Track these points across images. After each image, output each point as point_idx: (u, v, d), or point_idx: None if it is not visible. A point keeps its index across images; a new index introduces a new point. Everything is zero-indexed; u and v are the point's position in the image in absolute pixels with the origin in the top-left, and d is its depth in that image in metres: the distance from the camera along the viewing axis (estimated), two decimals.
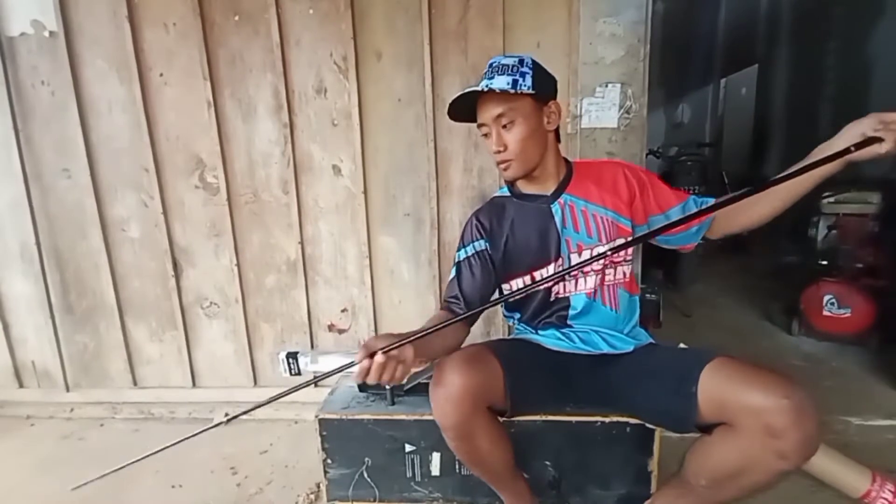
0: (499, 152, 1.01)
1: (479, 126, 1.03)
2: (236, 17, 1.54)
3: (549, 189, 1.08)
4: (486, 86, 0.96)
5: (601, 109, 1.43)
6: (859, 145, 0.82)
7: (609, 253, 0.95)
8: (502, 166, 1.04)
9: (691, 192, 1.14)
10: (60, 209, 1.71)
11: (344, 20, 1.50)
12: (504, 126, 0.99)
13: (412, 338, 0.85)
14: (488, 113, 0.99)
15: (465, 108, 1.03)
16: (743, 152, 4.52)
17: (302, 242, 1.66)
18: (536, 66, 0.99)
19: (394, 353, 0.82)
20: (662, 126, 6.34)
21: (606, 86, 1.42)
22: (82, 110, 1.62)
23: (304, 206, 1.64)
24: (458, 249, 1.14)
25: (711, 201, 1.04)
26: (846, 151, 0.82)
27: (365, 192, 1.61)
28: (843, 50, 3.11)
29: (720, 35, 5.19)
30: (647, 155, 1.74)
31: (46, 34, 1.59)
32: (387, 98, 1.56)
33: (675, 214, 1.06)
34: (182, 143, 1.64)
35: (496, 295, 1.14)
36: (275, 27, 1.52)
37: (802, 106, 3.57)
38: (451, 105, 1.02)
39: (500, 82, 0.95)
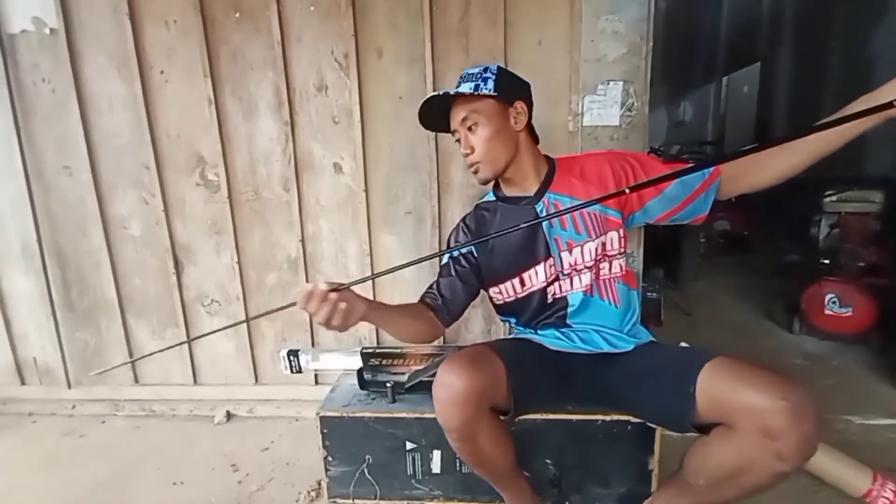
0: (467, 155, 1.05)
1: (453, 133, 1.08)
2: (237, 14, 1.54)
3: (531, 190, 1.08)
4: (453, 91, 1.01)
5: (603, 107, 1.42)
6: None
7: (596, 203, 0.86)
8: (472, 169, 1.07)
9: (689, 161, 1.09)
10: (62, 207, 1.71)
11: (345, 17, 1.50)
12: (470, 129, 1.03)
13: (358, 280, 0.88)
14: (455, 118, 1.05)
15: (439, 121, 1.08)
16: None
17: (303, 240, 1.66)
18: (501, 72, 1.03)
19: (341, 293, 0.84)
20: (664, 124, 6.33)
21: (608, 83, 1.41)
22: (83, 108, 1.62)
23: (305, 204, 1.64)
24: (445, 253, 1.15)
25: (713, 168, 1.00)
26: (888, 106, 0.69)
27: (366, 190, 1.61)
28: (846, 48, 3.10)
29: (722, 33, 5.18)
30: (648, 153, 1.73)
31: (47, 31, 1.59)
32: (388, 96, 1.55)
33: (674, 191, 1.03)
34: (183, 140, 1.63)
35: (477, 299, 1.16)
36: (276, 24, 1.52)
37: (805, 104, 3.56)
38: (427, 118, 1.08)
39: (462, 88, 1.01)
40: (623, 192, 0.87)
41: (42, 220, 1.71)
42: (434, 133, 1.54)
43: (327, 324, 0.85)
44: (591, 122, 1.45)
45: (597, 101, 1.43)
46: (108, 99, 1.62)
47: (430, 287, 1.12)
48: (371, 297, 1.65)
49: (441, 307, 1.08)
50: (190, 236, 1.70)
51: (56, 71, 1.61)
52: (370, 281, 1.66)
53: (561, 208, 1.05)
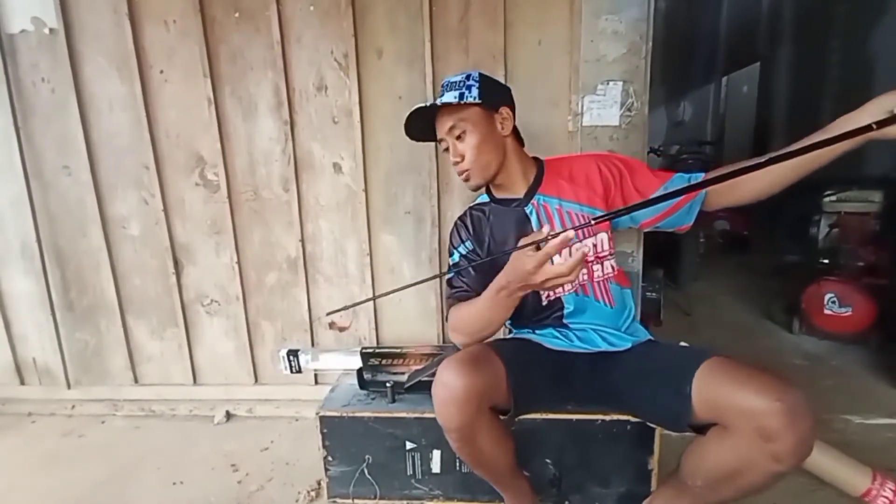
0: (457, 163, 1.06)
1: (440, 142, 1.08)
2: (237, 15, 1.54)
3: (520, 192, 1.10)
4: (437, 102, 1.01)
5: (603, 107, 1.43)
6: (882, 123, 0.67)
7: (585, 227, 0.85)
8: (462, 177, 1.08)
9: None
10: (61, 207, 1.71)
11: (345, 17, 1.50)
12: (458, 137, 1.04)
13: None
14: (442, 127, 1.05)
15: (425, 130, 1.09)
16: (744, 150, 4.51)
17: (303, 240, 1.66)
18: (483, 78, 1.04)
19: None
20: (664, 124, 6.33)
21: (608, 83, 1.41)
22: (83, 108, 1.62)
23: (304, 204, 1.64)
24: (451, 254, 1.16)
25: (701, 176, 1.01)
26: (867, 129, 0.68)
27: (366, 189, 1.61)
28: (846, 48, 3.10)
29: (722, 33, 5.18)
30: (648, 153, 1.74)
31: (47, 31, 1.59)
32: (388, 96, 1.55)
33: None
34: (182, 140, 1.63)
35: None
36: (275, 24, 1.52)
37: (804, 104, 3.56)
38: (413, 130, 1.08)
39: (447, 97, 1.01)
40: (590, 224, 0.80)
41: (41, 220, 1.71)
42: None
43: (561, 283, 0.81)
44: (590, 122, 1.45)
45: (596, 101, 1.43)
46: (108, 99, 1.62)
47: (458, 289, 1.08)
48: (373, 295, 1.67)
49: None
50: (189, 236, 1.70)
51: (55, 71, 1.61)
52: (370, 280, 1.66)
53: (550, 210, 1.07)
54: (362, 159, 1.58)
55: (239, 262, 1.69)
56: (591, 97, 1.43)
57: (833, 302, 2.12)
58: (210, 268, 1.72)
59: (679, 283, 3.02)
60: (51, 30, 1.59)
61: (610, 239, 1.09)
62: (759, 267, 3.41)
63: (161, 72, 1.59)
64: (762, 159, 0.72)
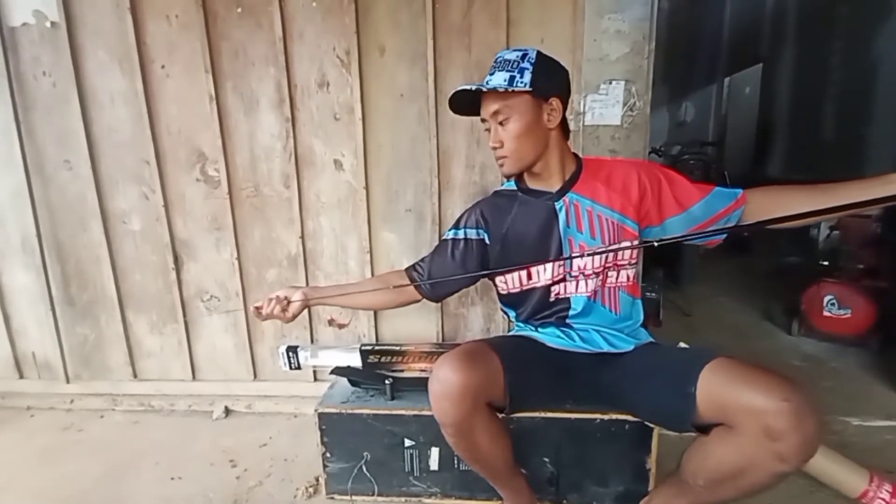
0: (495, 148, 1.02)
1: (483, 121, 1.04)
2: (239, 10, 1.54)
3: (554, 186, 1.06)
4: (484, 84, 0.97)
5: (605, 106, 1.42)
6: None
7: (611, 251, 0.92)
8: (498, 162, 1.05)
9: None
10: (61, 201, 1.71)
11: (347, 14, 1.49)
12: (501, 122, 0.99)
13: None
14: (487, 109, 1.01)
15: (470, 103, 1.04)
16: (746, 152, 4.50)
17: (303, 237, 1.66)
18: (539, 61, 0.98)
19: (282, 295, 1.10)
20: (666, 124, 6.32)
21: (610, 83, 1.41)
22: (84, 102, 1.62)
23: (305, 200, 1.64)
24: (450, 229, 1.15)
25: (740, 192, 1.01)
26: None
27: (366, 187, 1.60)
28: (848, 49, 3.10)
29: (725, 33, 5.17)
30: (649, 153, 1.73)
31: (48, 25, 1.59)
32: (389, 93, 1.55)
33: (698, 210, 1.03)
34: (184, 136, 1.63)
35: (476, 297, 1.19)
36: (277, 20, 1.51)
37: (807, 105, 3.55)
38: (453, 101, 1.04)
39: (497, 79, 0.96)
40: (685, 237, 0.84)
41: (42, 214, 1.71)
42: (435, 131, 1.54)
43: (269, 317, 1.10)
44: (592, 122, 1.44)
45: (599, 100, 1.43)
46: (109, 93, 1.62)
47: (421, 260, 1.14)
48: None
49: (424, 284, 1.11)
50: (190, 232, 1.70)
51: (57, 65, 1.60)
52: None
53: (580, 210, 1.04)
54: (363, 156, 1.58)
55: (239, 259, 1.69)
56: (594, 96, 1.42)
57: (832, 304, 2.13)
58: (210, 264, 1.72)
59: (679, 283, 3.02)
60: (52, 23, 1.58)
61: (633, 249, 1.06)
62: (758, 268, 3.41)
63: (162, 67, 1.59)
64: (820, 206, 0.78)
